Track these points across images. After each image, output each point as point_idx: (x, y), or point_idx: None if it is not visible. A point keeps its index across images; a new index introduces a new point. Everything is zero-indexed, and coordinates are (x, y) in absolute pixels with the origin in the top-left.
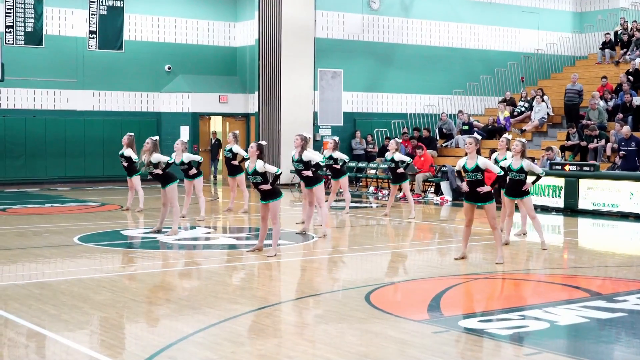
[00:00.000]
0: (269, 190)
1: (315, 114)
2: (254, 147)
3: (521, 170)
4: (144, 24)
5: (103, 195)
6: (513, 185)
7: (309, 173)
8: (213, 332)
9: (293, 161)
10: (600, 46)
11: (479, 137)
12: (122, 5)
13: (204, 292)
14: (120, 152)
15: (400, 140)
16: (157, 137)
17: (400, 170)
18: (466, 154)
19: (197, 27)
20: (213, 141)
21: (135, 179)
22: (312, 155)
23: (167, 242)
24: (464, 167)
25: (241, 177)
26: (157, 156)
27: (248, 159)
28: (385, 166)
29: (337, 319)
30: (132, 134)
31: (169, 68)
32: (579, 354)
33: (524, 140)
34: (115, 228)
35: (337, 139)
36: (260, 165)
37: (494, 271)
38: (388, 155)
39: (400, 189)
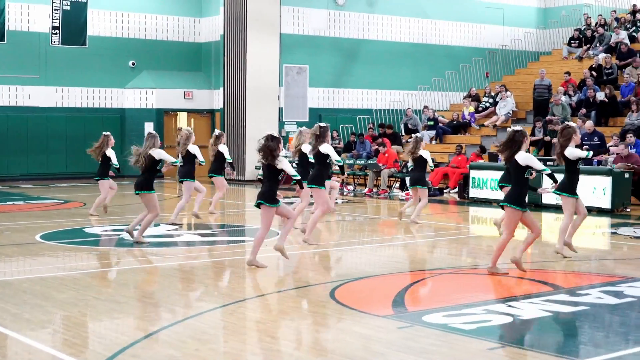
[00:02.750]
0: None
1: (280, 109)
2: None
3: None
4: (107, 19)
5: (66, 192)
6: None
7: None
8: (177, 330)
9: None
10: (567, 42)
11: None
12: (85, 1)
13: (168, 290)
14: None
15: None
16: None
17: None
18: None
19: (162, 23)
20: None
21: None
22: (329, 150)
23: (130, 240)
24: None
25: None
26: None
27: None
28: (351, 162)
29: (302, 316)
30: (107, 133)
31: (133, 64)
32: (541, 348)
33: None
34: (79, 226)
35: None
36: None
37: (458, 266)
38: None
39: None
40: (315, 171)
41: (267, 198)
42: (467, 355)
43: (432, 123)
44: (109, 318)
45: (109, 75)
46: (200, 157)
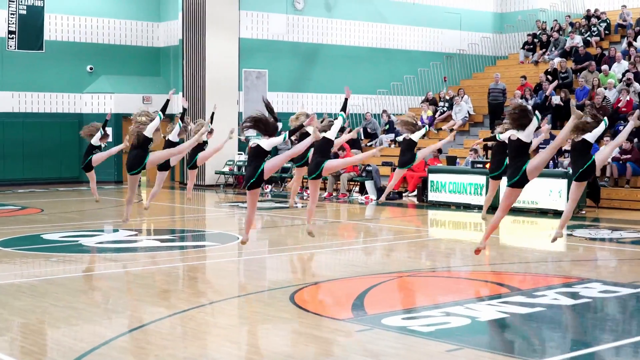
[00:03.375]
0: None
1: (240, 114)
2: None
3: None
4: (65, 23)
5: (23, 198)
6: None
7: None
8: (136, 336)
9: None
10: (522, 46)
11: None
12: (42, 5)
13: (126, 296)
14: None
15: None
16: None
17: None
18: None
19: (120, 27)
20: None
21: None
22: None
23: (89, 246)
24: None
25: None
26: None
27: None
28: None
29: (261, 320)
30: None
31: (90, 69)
32: (499, 349)
33: None
34: (36, 232)
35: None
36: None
37: (418, 269)
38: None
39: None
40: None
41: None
42: (425, 357)
43: (387, 127)
44: (66, 325)
45: (67, 80)
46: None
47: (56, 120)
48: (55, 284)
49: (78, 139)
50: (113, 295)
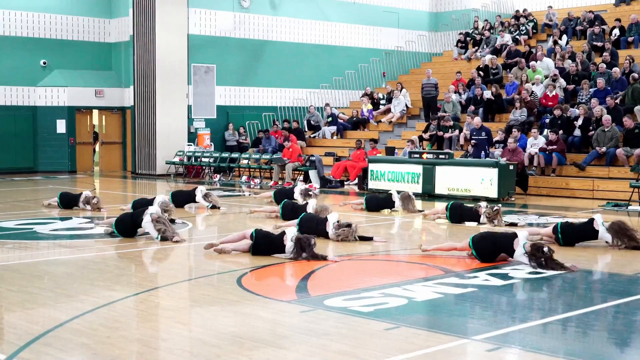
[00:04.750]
0: None
1: (189, 107)
2: None
3: None
4: (18, 19)
5: None
6: None
7: None
8: (89, 319)
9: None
10: (455, 44)
11: None
12: None
13: (79, 280)
14: None
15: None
16: None
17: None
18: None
19: (73, 23)
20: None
21: None
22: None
23: (43, 233)
24: None
25: None
26: None
27: None
28: (257, 157)
29: (210, 302)
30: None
31: (44, 63)
32: (434, 327)
33: None
34: None
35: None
36: None
37: (358, 253)
38: None
39: None
40: None
41: None
42: (365, 335)
43: (332, 119)
44: (21, 309)
45: (21, 73)
46: None
47: (10, 112)
48: (10, 270)
49: (33, 131)
50: (67, 280)
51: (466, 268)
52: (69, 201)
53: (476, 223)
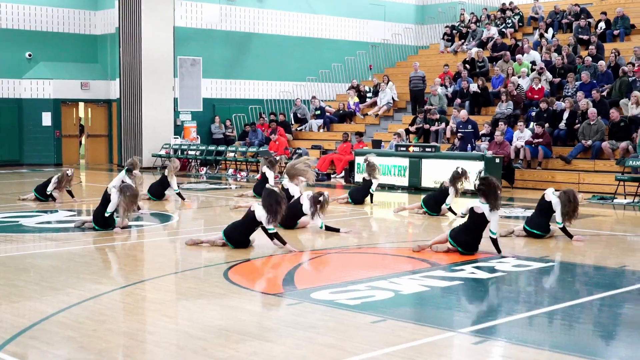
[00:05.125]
0: None
1: (175, 99)
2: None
3: None
4: (3, 11)
5: None
6: None
7: None
8: (75, 312)
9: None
10: (442, 36)
11: None
12: None
13: (66, 273)
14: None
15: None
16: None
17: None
18: None
19: (58, 15)
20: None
21: None
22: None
23: (29, 226)
24: None
25: None
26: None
27: None
28: (244, 150)
29: (197, 295)
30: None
31: (29, 55)
32: (420, 320)
33: None
34: None
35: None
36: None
37: (344, 246)
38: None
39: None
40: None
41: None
42: (351, 328)
43: (319, 112)
44: (7, 302)
45: (6, 66)
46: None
47: None
48: None
49: (18, 123)
50: (53, 273)
51: (453, 261)
52: (42, 188)
53: (454, 215)
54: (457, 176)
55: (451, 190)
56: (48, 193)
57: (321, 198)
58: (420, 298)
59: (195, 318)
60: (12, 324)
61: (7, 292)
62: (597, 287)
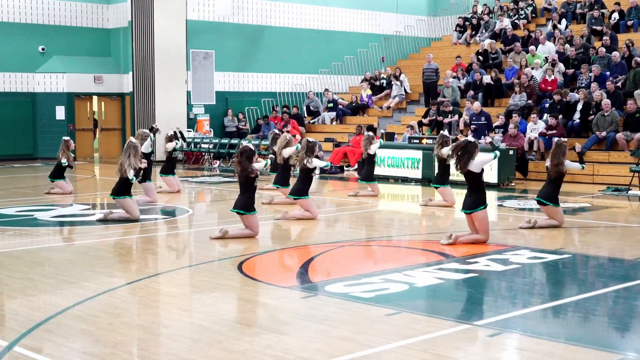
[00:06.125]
0: None
1: (188, 93)
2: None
3: None
4: (16, 5)
5: None
6: None
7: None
8: (90, 305)
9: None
10: (454, 28)
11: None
12: None
13: (80, 267)
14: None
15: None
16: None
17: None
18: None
19: (70, 9)
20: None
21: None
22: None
23: (43, 219)
24: None
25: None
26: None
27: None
28: (257, 142)
29: (211, 288)
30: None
31: (42, 49)
32: (435, 313)
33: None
34: None
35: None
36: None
37: (358, 239)
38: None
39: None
40: (299, 184)
41: (245, 207)
42: (366, 321)
43: (331, 105)
44: (23, 295)
45: (20, 60)
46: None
47: (9, 99)
48: (11, 257)
49: (32, 117)
50: (68, 266)
51: (467, 254)
52: (56, 171)
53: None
54: (440, 142)
55: (444, 151)
56: (63, 165)
57: (310, 144)
58: (434, 290)
59: (210, 311)
60: (28, 317)
61: (23, 286)
62: (612, 279)
